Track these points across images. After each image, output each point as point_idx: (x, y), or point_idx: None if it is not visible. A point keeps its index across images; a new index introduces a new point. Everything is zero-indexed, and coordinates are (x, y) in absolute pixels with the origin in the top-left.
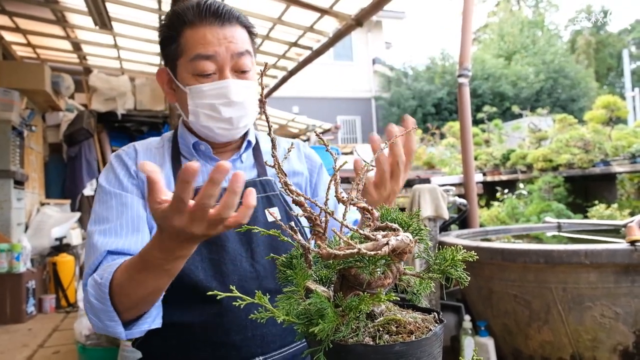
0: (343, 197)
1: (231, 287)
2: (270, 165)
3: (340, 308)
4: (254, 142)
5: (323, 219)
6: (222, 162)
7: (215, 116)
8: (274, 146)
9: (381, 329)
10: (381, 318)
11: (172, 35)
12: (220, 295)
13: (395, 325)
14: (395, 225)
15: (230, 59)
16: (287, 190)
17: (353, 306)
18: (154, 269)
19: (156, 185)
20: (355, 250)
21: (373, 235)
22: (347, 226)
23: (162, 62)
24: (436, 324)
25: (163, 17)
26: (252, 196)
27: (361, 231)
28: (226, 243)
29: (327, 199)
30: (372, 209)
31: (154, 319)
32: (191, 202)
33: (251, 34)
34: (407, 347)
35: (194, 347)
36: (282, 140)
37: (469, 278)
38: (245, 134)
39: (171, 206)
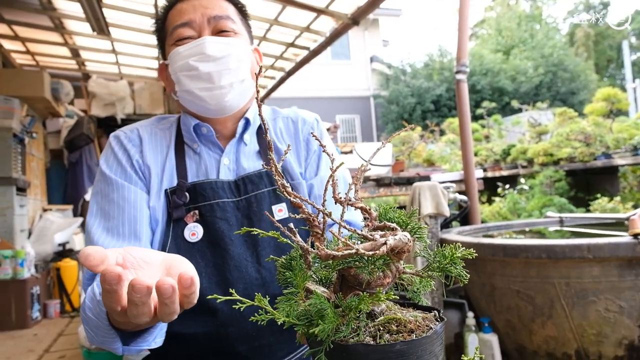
0: (340, 198)
1: (231, 290)
2: (267, 168)
3: (340, 308)
4: (253, 120)
5: (321, 219)
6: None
7: (193, 74)
8: (270, 149)
9: (382, 328)
10: (381, 317)
11: (161, 23)
12: (220, 298)
13: (395, 324)
14: (394, 225)
15: (207, 23)
16: (285, 193)
17: (353, 306)
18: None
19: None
20: (354, 251)
21: (371, 235)
22: (345, 227)
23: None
24: (437, 322)
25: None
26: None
27: (359, 231)
28: (230, 247)
29: (324, 200)
30: (370, 209)
31: (154, 338)
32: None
33: (239, 9)
34: (408, 346)
35: (200, 356)
36: (280, 114)
37: (469, 275)
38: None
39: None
